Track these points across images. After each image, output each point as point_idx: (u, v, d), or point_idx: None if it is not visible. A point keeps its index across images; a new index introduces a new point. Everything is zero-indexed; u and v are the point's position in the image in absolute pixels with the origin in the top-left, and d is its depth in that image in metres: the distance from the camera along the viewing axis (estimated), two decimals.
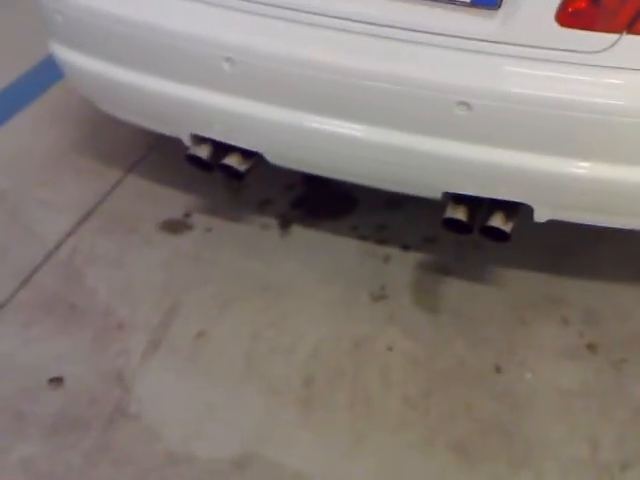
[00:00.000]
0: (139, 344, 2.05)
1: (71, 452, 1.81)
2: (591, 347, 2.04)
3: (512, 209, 1.88)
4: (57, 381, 1.96)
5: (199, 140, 2.07)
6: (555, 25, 1.58)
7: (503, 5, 1.63)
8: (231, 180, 2.15)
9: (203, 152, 2.06)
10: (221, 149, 2.06)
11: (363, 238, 2.35)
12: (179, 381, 1.98)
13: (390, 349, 2.04)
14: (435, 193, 1.94)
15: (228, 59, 1.82)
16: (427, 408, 1.90)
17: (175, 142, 2.15)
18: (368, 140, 1.85)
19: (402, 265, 2.27)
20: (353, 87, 1.77)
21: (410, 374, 1.98)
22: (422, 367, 1.99)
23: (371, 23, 1.72)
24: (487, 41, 1.65)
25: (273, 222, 2.41)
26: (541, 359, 2.01)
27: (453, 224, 1.92)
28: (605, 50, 1.58)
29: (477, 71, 1.67)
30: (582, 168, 1.71)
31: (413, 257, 2.29)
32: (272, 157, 2.05)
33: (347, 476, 1.77)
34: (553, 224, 1.89)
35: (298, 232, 2.38)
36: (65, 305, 2.16)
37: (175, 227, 2.40)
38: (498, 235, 1.90)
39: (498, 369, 1.99)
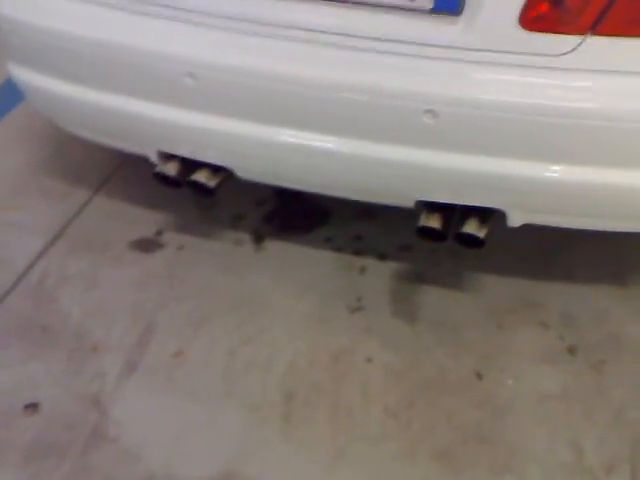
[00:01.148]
0: (115, 365, 2.02)
1: (49, 479, 1.78)
2: (571, 350, 2.03)
3: (485, 215, 1.88)
4: (32, 407, 1.93)
5: (166, 157, 2.05)
6: (518, 29, 1.57)
7: (464, 11, 1.61)
8: (201, 196, 2.13)
9: (171, 169, 2.04)
10: (189, 165, 2.03)
11: (338, 250, 2.34)
12: (157, 401, 1.95)
13: (369, 361, 2.02)
14: (408, 202, 1.92)
15: (190, 74, 1.80)
16: (408, 419, 1.88)
17: (143, 160, 2.12)
18: (337, 151, 1.83)
19: (378, 275, 2.25)
20: (320, 99, 1.75)
21: (390, 385, 1.96)
22: (402, 377, 1.98)
23: (335, 33, 1.70)
24: (450, 47, 1.63)
25: (246, 237, 2.39)
26: (521, 364, 2.00)
27: (427, 232, 1.91)
28: (570, 52, 1.57)
29: (441, 78, 1.66)
30: (553, 172, 1.70)
31: (389, 267, 2.28)
32: (241, 172, 2.02)
33: None
34: (527, 228, 1.89)
35: (272, 246, 2.36)
36: (38, 328, 2.12)
37: (147, 246, 2.37)
38: (473, 241, 1.89)
39: (479, 376, 1.98)
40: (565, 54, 1.57)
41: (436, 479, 1.76)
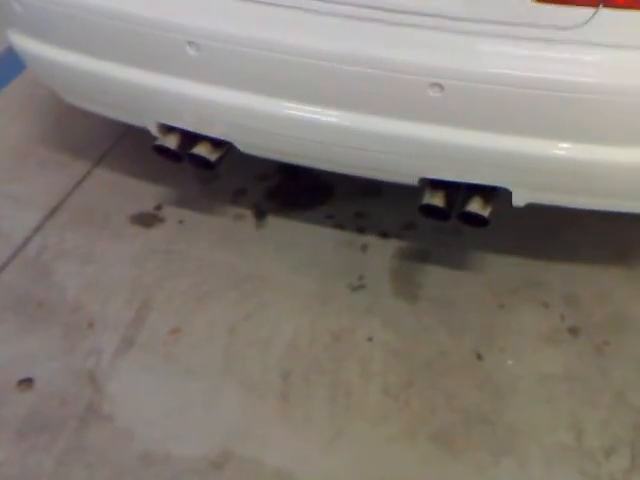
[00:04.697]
0: (111, 342, 2.00)
1: (43, 455, 1.77)
2: (573, 331, 2.01)
3: (490, 193, 1.85)
4: (27, 382, 1.91)
5: (167, 130, 2.02)
6: (528, 0, 1.53)
7: None
8: (202, 170, 2.10)
9: (171, 142, 2.01)
10: (190, 138, 2.00)
11: (340, 227, 2.31)
12: (153, 379, 1.93)
13: (370, 340, 2.00)
14: (411, 179, 1.89)
15: (191, 43, 1.76)
16: (408, 399, 1.87)
17: (143, 132, 2.09)
18: (341, 126, 1.80)
19: (380, 253, 2.23)
20: (324, 71, 1.71)
21: (390, 365, 1.94)
22: (402, 357, 1.96)
23: (340, 3, 1.66)
24: (458, 19, 1.60)
25: (247, 213, 2.36)
26: (523, 345, 1.98)
27: (430, 210, 1.88)
28: (581, 26, 1.53)
29: (449, 51, 1.62)
30: (561, 149, 1.67)
31: (392, 245, 2.25)
32: (242, 146, 1.99)
33: (328, 471, 1.74)
34: (531, 208, 1.86)
35: (273, 223, 2.33)
36: (33, 303, 2.10)
37: (146, 220, 2.34)
38: (477, 220, 1.86)
39: (479, 356, 1.95)
40: (576, 27, 1.53)
41: (435, 460, 1.75)
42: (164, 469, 1.73)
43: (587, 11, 1.52)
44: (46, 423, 1.82)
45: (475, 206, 1.84)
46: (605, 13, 1.52)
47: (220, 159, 2.02)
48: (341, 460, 1.75)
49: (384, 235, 2.27)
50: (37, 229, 2.31)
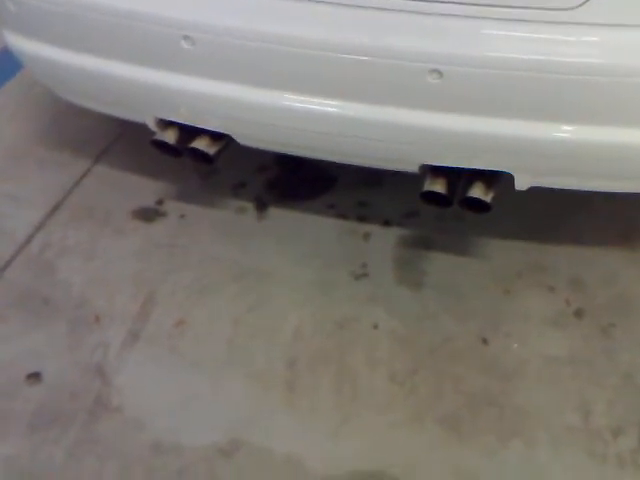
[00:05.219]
0: (117, 335, 2.00)
1: (53, 448, 1.77)
2: (578, 314, 2.01)
3: (492, 178, 1.84)
4: (35, 376, 1.92)
5: (165, 124, 2.01)
6: None
7: None
8: (202, 164, 2.10)
9: (170, 137, 2.00)
10: (188, 132, 1.99)
11: (342, 216, 2.31)
12: (161, 371, 1.93)
13: (374, 328, 2.00)
14: (412, 166, 1.89)
15: (186, 37, 1.76)
16: (414, 385, 1.87)
17: (142, 128, 2.08)
18: (340, 115, 1.79)
19: (383, 242, 2.23)
20: (321, 61, 1.70)
21: (396, 352, 1.94)
22: (408, 344, 1.96)
23: None
24: (453, 3, 1.59)
25: (248, 205, 2.36)
26: (528, 329, 1.98)
27: (432, 197, 1.87)
28: (580, 6, 1.52)
29: (446, 36, 1.61)
30: (563, 132, 1.66)
31: (394, 233, 2.25)
32: (241, 138, 1.99)
33: (336, 458, 1.74)
34: (534, 192, 1.85)
35: (275, 214, 2.33)
36: (38, 299, 2.10)
37: (148, 215, 2.35)
38: (479, 206, 1.85)
39: (485, 341, 1.96)
40: (576, 7, 1.53)
41: (443, 445, 1.75)
42: (174, 458, 1.74)
43: None
44: (56, 416, 1.83)
45: (477, 191, 1.83)
46: None
47: (219, 152, 2.01)
48: (349, 447, 1.75)
49: (386, 223, 2.27)
50: (39, 227, 2.31)
